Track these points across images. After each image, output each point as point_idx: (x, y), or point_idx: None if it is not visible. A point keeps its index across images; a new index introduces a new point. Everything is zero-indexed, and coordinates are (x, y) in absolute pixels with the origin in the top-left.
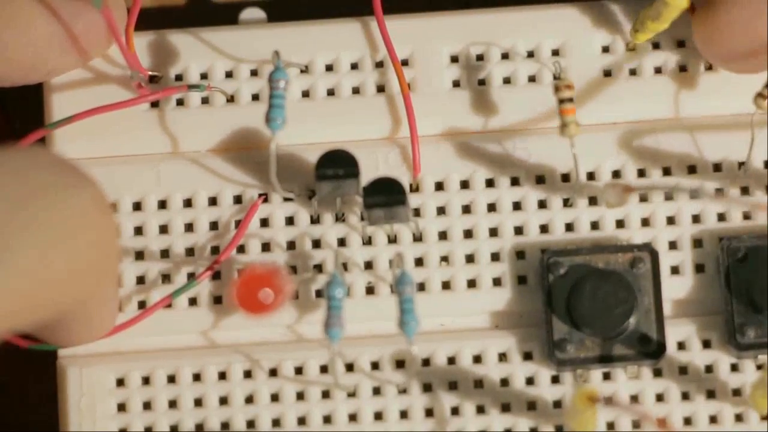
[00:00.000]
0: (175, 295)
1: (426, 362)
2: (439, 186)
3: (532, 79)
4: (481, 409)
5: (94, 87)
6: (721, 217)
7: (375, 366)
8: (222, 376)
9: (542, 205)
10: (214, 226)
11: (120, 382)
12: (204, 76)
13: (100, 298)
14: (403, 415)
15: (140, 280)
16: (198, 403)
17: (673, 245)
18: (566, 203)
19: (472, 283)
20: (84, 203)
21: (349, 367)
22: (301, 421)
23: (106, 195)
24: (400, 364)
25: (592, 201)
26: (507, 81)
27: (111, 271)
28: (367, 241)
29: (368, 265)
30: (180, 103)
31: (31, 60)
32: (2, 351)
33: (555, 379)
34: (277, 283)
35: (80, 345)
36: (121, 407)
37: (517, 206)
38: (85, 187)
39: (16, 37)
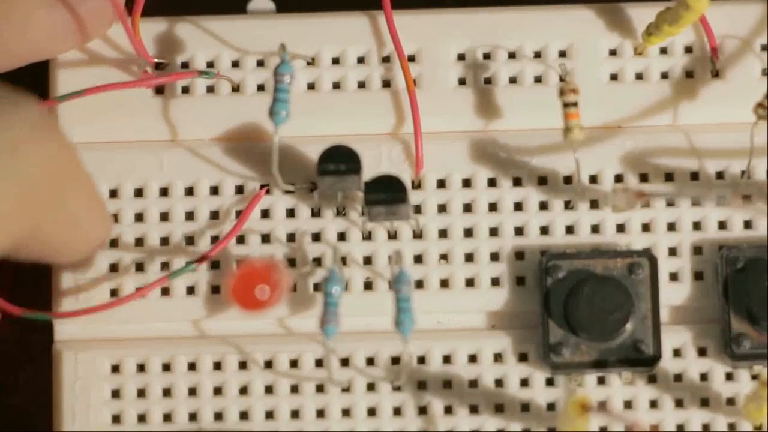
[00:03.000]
0: (172, 276)
1: (421, 360)
2: (441, 183)
3: (538, 79)
4: (474, 409)
5: (100, 72)
6: (722, 225)
7: (370, 362)
8: (217, 366)
9: (543, 206)
10: (215, 215)
11: (115, 369)
12: (210, 65)
13: (70, 211)
14: (396, 412)
15: (139, 267)
16: (192, 392)
17: (672, 252)
18: (567, 206)
19: (470, 282)
20: (26, 121)
21: (344, 362)
22: (295, 414)
23: (53, 116)
24: (395, 360)
25: (594, 204)
26: (513, 81)
27: (76, 183)
28: (367, 236)
29: (367, 260)
30: (185, 90)
31: (29, 53)
32: (2, 351)
33: (549, 382)
34: (273, 279)
35: (74, 258)
36: (115, 393)
37: (518, 207)
38: (26, 105)
39: (16, 35)
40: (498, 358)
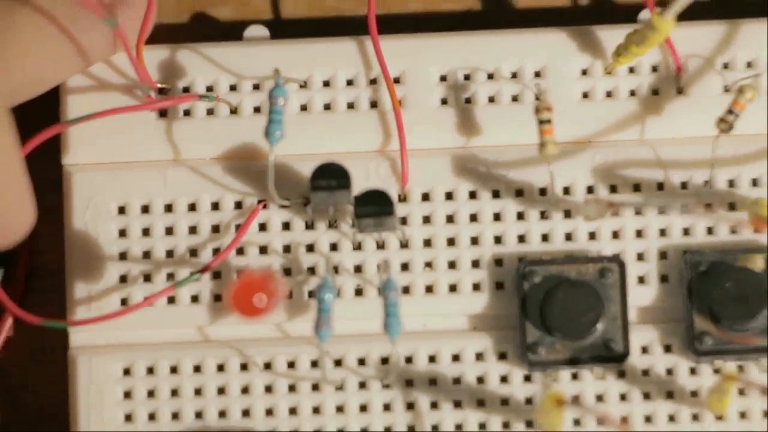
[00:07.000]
0: (177, 285)
1: (408, 360)
2: (426, 197)
3: (514, 98)
4: (458, 404)
5: (107, 97)
6: (686, 232)
7: (361, 362)
8: (220, 368)
9: (520, 216)
10: (216, 229)
11: (126, 372)
12: (210, 89)
13: None
14: (386, 408)
15: (147, 277)
16: (197, 392)
17: (640, 257)
18: (542, 216)
19: (453, 288)
20: None
21: (338, 362)
22: (292, 411)
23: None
24: (384, 361)
25: (567, 214)
26: (491, 100)
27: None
28: (357, 247)
29: (357, 269)
30: (187, 113)
31: (33, 86)
32: (19, 354)
33: (527, 378)
34: (270, 288)
35: None
36: (127, 394)
37: (497, 217)
38: None
39: (17, 69)
40: (479, 357)
